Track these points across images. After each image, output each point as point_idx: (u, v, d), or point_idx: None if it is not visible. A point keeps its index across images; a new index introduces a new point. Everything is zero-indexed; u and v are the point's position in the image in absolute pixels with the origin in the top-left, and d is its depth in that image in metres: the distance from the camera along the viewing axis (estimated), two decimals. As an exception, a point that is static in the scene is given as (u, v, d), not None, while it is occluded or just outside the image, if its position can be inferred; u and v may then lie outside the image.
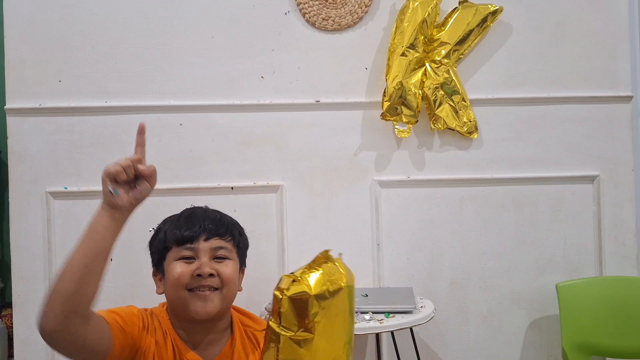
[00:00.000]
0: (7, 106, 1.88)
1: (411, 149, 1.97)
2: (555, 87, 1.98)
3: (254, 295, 1.90)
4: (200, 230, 1.19)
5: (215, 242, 1.19)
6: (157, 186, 1.88)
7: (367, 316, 1.57)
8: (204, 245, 1.18)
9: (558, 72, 1.98)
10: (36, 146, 1.88)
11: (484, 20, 1.92)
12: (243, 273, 1.31)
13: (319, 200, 1.95)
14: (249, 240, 1.32)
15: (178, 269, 1.16)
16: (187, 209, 1.28)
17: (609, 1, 1.99)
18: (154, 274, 1.24)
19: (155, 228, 1.28)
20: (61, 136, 1.89)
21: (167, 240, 1.20)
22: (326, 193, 1.95)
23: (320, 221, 1.94)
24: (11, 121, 1.88)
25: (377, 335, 1.92)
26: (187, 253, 1.17)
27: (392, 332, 1.76)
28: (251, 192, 1.93)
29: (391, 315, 1.58)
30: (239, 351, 1.20)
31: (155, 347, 1.14)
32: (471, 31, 1.92)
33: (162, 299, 1.23)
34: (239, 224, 1.29)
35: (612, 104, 1.99)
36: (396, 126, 1.91)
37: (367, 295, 1.73)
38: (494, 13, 1.92)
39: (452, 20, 1.92)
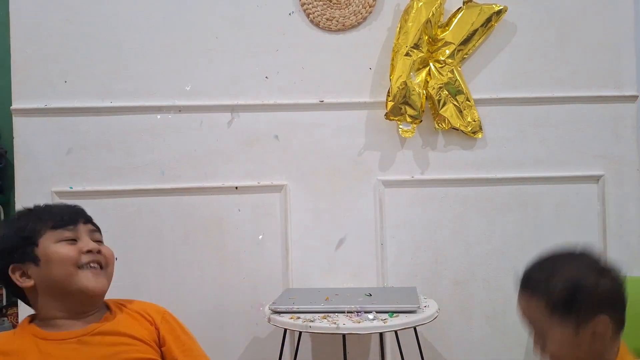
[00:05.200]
0: (13, 106, 1.90)
1: (415, 148, 1.97)
2: (559, 87, 1.97)
3: (258, 295, 1.92)
4: (77, 215, 1.21)
5: (90, 226, 1.22)
6: (161, 186, 1.92)
7: (370, 315, 1.56)
8: (84, 227, 1.20)
9: (562, 72, 1.98)
10: (42, 146, 1.90)
11: (489, 20, 1.91)
12: None
13: (323, 200, 1.95)
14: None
15: (64, 248, 1.16)
16: (24, 209, 1.24)
17: (614, 0, 1.98)
18: (15, 270, 1.16)
19: None
20: (66, 136, 1.90)
21: (36, 228, 1.16)
22: (330, 193, 1.95)
23: (324, 221, 1.95)
24: (17, 121, 1.89)
25: (381, 335, 1.93)
26: (68, 234, 1.17)
27: (395, 332, 1.76)
28: (255, 192, 1.94)
29: (395, 314, 1.58)
30: (120, 316, 1.21)
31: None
32: (475, 31, 1.91)
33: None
34: None
35: (617, 104, 1.98)
36: (400, 126, 1.91)
37: (370, 295, 1.73)
38: (499, 13, 1.92)
39: (456, 20, 1.92)
